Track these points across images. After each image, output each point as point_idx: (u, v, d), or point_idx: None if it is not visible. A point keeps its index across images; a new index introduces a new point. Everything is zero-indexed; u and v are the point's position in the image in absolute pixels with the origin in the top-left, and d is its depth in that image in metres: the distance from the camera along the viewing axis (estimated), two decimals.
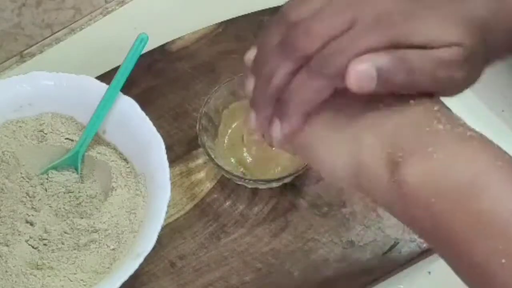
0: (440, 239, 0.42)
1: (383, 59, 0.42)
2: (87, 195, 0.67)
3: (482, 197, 0.40)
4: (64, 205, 0.66)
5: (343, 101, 0.46)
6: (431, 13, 0.43)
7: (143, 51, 0.71)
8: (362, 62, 0.42)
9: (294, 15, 0.45)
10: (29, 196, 0.66)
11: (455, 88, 0.45)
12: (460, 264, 0.42)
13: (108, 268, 0.62)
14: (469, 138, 0.42)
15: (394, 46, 0.43)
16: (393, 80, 0.43)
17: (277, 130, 0.47)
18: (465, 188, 0.40)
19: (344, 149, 0.46)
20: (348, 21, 0.43)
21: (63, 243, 0.64)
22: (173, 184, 0.65)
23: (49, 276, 0.62)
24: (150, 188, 0.65)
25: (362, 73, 0.42)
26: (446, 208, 0.41)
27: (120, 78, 0.69)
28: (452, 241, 0.41)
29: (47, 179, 0.68)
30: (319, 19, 0.44)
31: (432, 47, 0.42)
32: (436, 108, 0.44)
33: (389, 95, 0.44)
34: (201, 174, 0.71)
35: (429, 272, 0.67)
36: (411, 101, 0.44)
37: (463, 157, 0.41)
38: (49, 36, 0.82)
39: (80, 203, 0.67)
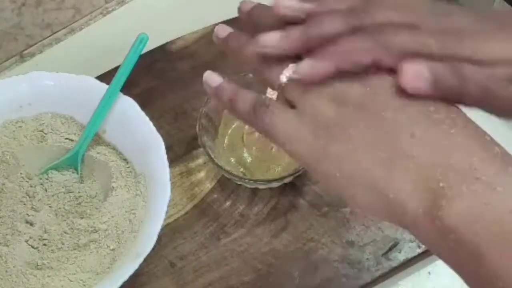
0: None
1: (438, 65, 0.42)
2: (87, 195, 0.67)
3: None
4: (64, 205, 0.66)
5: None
6: (497, 32, 0.43)
7: (143, 51, 0.71)
8: (419, 62, 0.42)
9: None
10: (29, 196, 0.66)
11: (504, 107, 0.43)
12: None
13: (108, 268, 0.62)
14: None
15: (449, 58, 0.42)
16: (445, 85, 0.42)
17: (304, 66, 0.44)
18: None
19: (371, 173, 0.42)
20: (413, 20, 0.44)
21: (63, 243, 0.64)
22: (173, 184, 0.65)
23: (49, 276, 0.62)
24: (150, 188, 0.65)
25: (417, 71, 0.42)
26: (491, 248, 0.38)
27: (120, 78, 0.69)
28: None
29: (47, 179, 0.68)
30: (394, 5, 0.44)
31: (489, 65, 0.42)
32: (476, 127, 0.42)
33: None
34: (201, 174, 0.71)
35: (429, 272, 0.67)
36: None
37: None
38: (49, 36, 0.82)
39: (80, 203, 0.67)
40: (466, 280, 0.40)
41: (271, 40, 0.46)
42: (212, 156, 0.67)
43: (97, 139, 0.69)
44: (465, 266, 0.39)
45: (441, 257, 0.41)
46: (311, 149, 0.43)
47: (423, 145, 0.41)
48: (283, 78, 0.45)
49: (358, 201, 0.42)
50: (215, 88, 0.48)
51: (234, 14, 0.79)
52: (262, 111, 0.45)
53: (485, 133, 0.42)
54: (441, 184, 0.39)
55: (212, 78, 0.49)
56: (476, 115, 0.44)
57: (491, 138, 0.42)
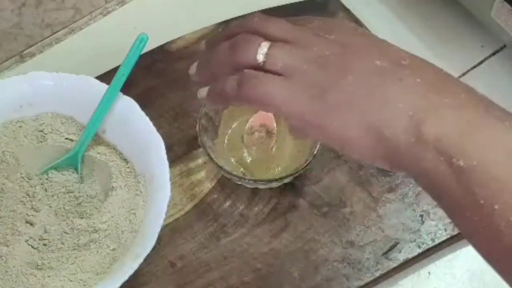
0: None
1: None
2: (87, 195, 0.67)
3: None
4: (64, 205, 0.66)
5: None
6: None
7: (143, 51, 0.71)
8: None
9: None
10: (29, 196, 0.66)
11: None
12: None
13: (108, 268, 0.62)
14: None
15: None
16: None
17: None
18: None
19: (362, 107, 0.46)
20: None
21: (63, 243, 0.64)
22: (173, 184, 0.65)
23: (49, 276, 0.62)
24: (150, 188, 0.65)
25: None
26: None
27: (120, 78, 0.69)
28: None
29: (47, 179, 0.68)
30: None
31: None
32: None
33: None
34: (201, 174, 0.71)
35: (429, 273, 0.67)
36: None
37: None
38: (49, 36, 0.82)
39: (80, 203, 0.67)
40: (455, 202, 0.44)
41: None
42: (212, 156, 0.67)
43: (97, 139, 0.69)
44: (451, 183, 0.43)
45: (434, 185, 0.44)
46: (308, 105, 0.47)
47: (408, 87, 0.45)
48: (260, 57, 0.48)
49: (355, 144, 0.46)
50: (208, 94, 0.53)
51: (234, 14, 0.79)
52: (251, 84, 0.48)
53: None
54: (422, 115, 0.44)
55: (203, 90, 0.54)
56: None
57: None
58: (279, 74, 0.48)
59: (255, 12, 0.62)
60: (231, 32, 0.52)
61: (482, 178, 0.42)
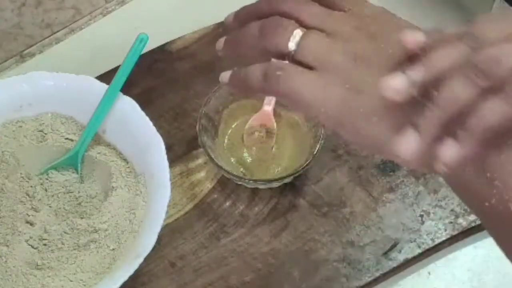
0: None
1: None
2: (87, 195, 0.67)
3: None
4: (64, 205, 0.66)
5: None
6: None
7: (143, 51, 0.71)
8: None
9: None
10: (29, 196, 0.66)
11: None
12: None
13: (108, 268, 0.62)
14: None
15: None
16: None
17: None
18: None
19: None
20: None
21: (63, 243, 0.64)
22: (173, 184, 0.65)
23: (49, 276, 0.62)
24: (150, 188, 0.65)
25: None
26: None
27: (120, 78, 0.69)
28: None
29: (47, 179, 0.68)
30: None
31: None
32: None
33: None
34: (201, 174, 0.71)
35: (429, 273, 0.67)
36: None
37: None
38: (49, 36, 0.82)
39: (80, 203, 0.67)
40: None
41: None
42: (212, 156, 0.67)
43: (97, 139, 0.69)
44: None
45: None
46: (341, 106, 0.43)
47: None
48: (292, 46, 0.45)
49: (393, 153, 0.42)
50: (230, 79, 0.49)
51: None
52: (278, 77, 0.44)
53: None
54: None
55: (225, 74, 0.49)
56: None
57: None
58: (311, 67, 0.44)
59: None
60: (261, 9, 0.48)
61: None
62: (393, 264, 0.66)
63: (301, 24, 0.45)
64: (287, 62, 0.45)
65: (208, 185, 0.70)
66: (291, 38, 0.45)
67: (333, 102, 0.43)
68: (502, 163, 0.40)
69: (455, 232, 0.66)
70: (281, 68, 0.44)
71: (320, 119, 0.45)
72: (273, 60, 0.45)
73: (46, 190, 0.67)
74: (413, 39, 0.41)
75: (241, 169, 0.69)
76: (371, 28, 0.45)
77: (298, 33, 0.45)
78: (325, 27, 0.45)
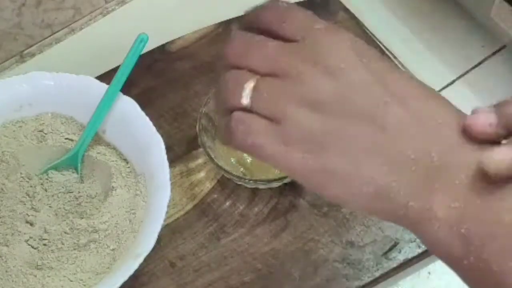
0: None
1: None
2: (87, 195, 0.67)
3: None
4: (64, 205, 0.66)
5: None
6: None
7: (143, 51, 0.71)
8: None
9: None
10: (29, 196, 0.66)
11: None
12: None
13: (108, 268, 0.62)
14: None
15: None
16: None
17: None
18: None
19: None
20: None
21: (63, 243, 0.64)
22: (173, 184, 0.65)
23: (49, 276, 0.62)
24: (150, 188, 0.65)
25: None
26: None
27: (120, 78, 0.69)
28: None
29: (47, 179, 0.68)
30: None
31: None
32: None
33: None
34: (201, 174, 0.71)
35: (429, 272, 0.67)
36: None
37: None
38: (49, 36, 0.82)
39: (80, 203, 0.67)
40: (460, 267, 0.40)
41: None
42: (212, 156, 0.67)
43: (97, 139, 0.69)
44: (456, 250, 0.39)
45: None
46: (303, 162, 0.40)
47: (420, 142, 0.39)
48: (245, 101, 0.42)
49: (360, 206, 0.41)
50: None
51: (234, 14, 0.79)
52: (240, 132, 0.41)
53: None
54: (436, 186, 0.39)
55: None
56: None
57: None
58: (271, 119, 0.41)
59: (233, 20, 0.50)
60: (220, 61, 0.45)
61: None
62: (393, 264, 0.66)
63: (255, 72, 0.42)
64: (250, 114, 0.42)
65: (208, 185, 0.70)
66: (243, 93, 0.41)
67: (292, 159, 0.41)
68: None
69: None
70: (242, 121, 0.42)
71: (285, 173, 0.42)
72: (235, 112, 0.42)
73: (46, 190, 0.67)
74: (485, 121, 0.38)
75: (241, 169, 0.69)
76: (326, 61, 0.41)
77: (249, 86, 0.41)
78: (276, 69, 0.41)
